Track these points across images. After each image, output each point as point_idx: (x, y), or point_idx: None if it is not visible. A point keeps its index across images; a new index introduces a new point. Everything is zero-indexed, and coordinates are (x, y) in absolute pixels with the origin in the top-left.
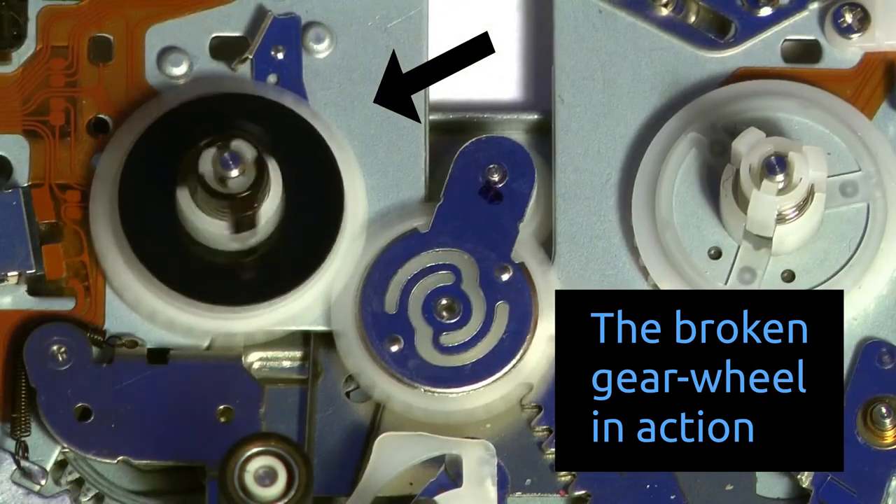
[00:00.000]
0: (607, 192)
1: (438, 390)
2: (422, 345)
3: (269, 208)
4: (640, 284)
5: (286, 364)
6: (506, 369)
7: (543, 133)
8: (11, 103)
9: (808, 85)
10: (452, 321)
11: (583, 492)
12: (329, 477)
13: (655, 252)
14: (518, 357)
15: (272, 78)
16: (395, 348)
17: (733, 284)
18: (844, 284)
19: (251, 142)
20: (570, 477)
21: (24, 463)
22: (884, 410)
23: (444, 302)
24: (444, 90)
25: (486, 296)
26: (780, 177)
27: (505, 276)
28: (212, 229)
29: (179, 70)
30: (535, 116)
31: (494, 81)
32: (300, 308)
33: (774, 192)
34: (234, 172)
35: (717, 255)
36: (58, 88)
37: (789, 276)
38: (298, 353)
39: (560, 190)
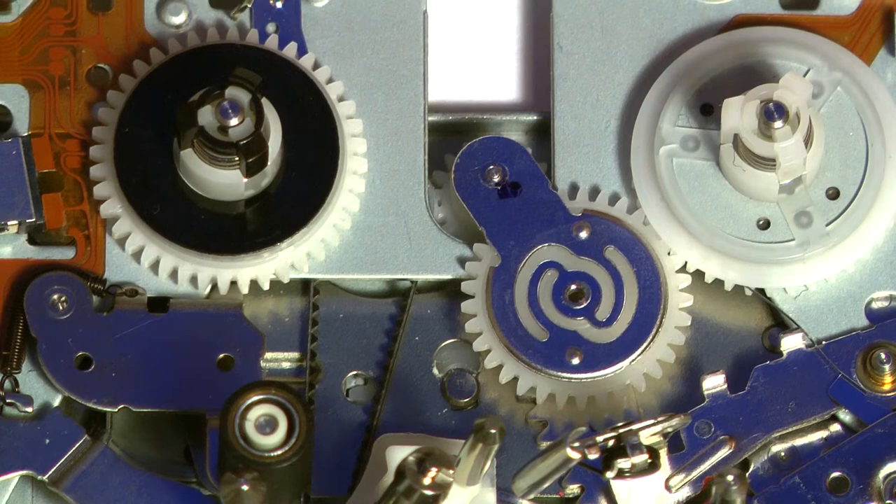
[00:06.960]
0: (606, 139)
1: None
2: (590, 335)
3: (271, 153)
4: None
5: (286, 365)
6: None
7: (543, 133)
8: (11, 53)
9: (807, 31)
10: (589, 301)
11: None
12: (328, 477)
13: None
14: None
15: (271, 27)
16: (576, 361)
17: (796, 233)
18: (880, 171)
19: (245, 87)
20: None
21: (8, 399)
22: (883, 356)
23: (571, 292)
24: (444, 91)
25: (593, 256)
26: (780, 121)
27: (584, 234)
28: (223, 180)
29: (179, 19)
30: (535, 117)
31: (494, 82)
32: (300, 255)
33: (791, 133)
34: (234, 121)
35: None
36: (57, 38)
37: (834, 193)
38: (298, 354)
39: (559, 137)
